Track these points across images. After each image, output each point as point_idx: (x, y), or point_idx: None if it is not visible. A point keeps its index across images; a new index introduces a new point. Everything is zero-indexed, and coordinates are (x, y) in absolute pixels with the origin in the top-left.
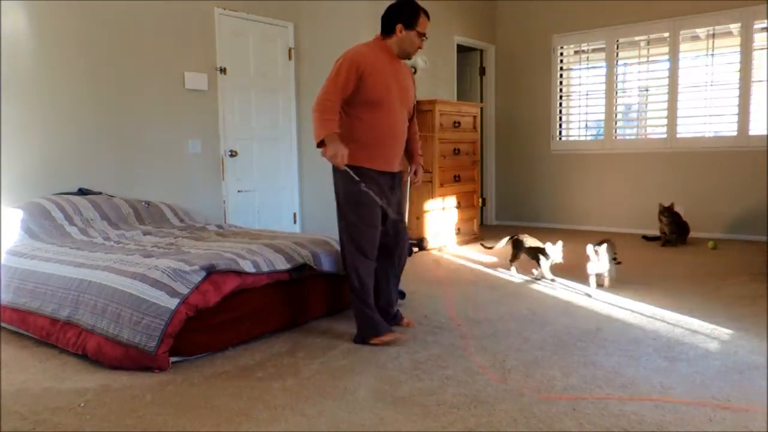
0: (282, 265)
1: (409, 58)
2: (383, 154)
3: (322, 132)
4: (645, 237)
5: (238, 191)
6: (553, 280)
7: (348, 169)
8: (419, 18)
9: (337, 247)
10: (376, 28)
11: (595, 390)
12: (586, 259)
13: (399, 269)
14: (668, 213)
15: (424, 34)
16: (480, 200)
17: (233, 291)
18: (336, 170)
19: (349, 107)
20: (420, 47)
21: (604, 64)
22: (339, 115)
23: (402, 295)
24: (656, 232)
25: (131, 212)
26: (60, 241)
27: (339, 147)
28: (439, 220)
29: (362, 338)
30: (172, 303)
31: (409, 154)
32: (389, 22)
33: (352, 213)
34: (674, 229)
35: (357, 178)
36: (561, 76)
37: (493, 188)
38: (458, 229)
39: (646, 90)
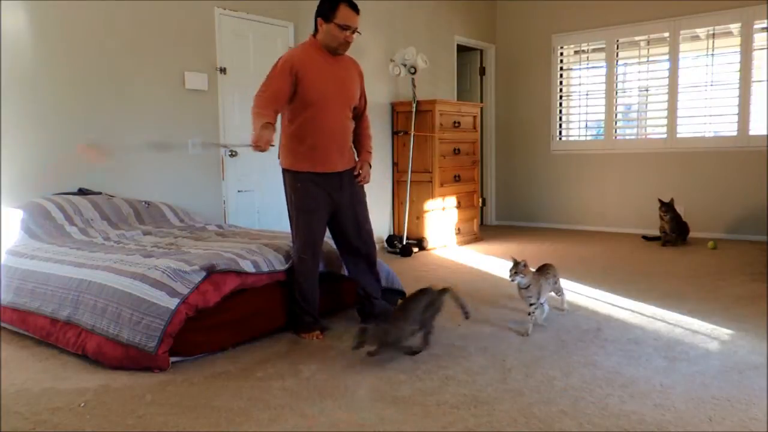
0: (282, 265)
1: (337, 54)
2: (322, 156)
3: (256, 124)
4: (645, 237)
5: (238, 191)
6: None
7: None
8: (338, 10)
9: (335, 247)
10: (375, 28)
11: (596, 390)
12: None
13: (370, 260)
14: (668, 209)
15: (348, 27)
16: (480, 200)
17: (233, 291)
18: (282, 173)
19: (289, 111)
20: (346, 41)
21: (604, 64)
22: (275, 113)
23: (402, 294)
24: (656, 232)
25: (131, 212)
26: (60, 241)
27: (262, 132)
28: (439, 220)
29: (294, 331)
30: (172, 303)
31: (358, 150)
32: (315, 18)
33: (293, 214)
34: (675, 227)
35: (298, 183)
36: (561, 76)
37: (493, 188)
38: (458, 229)
39: (646, 90)
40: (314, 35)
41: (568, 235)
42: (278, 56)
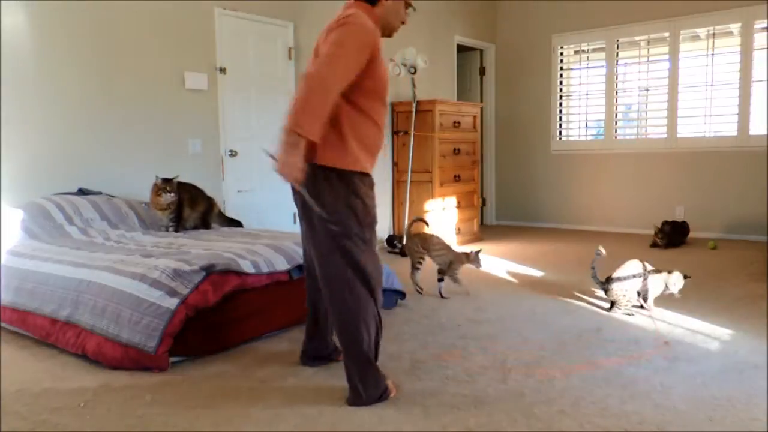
0: (282, 265)
1: (390, 36)
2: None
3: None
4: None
5: (238, 191)
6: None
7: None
8: None
9: None
10: None
11: (595, 390)
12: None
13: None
14: (664, 235)
15: (411, 4)
16: (480, 200)
17: (233, 291)
18: (338, 177)
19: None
20: (404, 23)
21: (604, 64)
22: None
23: (402, 295)
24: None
25: (131, 212)
26: (60, 241)
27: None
28: (439, 220)
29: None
30: (172, 303)
31: None
32: None
33: (363, 234)
34: (667, 242)
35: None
36: (561, 76)
37: (493, 188)
38: (458, 229)
39: (646, 90)
40: (372, 5)
41: (568, 235)
42: (278, 56)
